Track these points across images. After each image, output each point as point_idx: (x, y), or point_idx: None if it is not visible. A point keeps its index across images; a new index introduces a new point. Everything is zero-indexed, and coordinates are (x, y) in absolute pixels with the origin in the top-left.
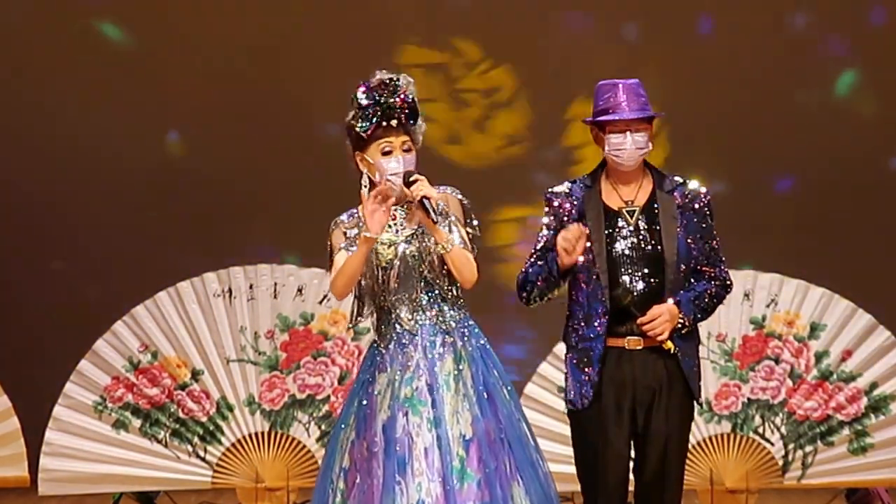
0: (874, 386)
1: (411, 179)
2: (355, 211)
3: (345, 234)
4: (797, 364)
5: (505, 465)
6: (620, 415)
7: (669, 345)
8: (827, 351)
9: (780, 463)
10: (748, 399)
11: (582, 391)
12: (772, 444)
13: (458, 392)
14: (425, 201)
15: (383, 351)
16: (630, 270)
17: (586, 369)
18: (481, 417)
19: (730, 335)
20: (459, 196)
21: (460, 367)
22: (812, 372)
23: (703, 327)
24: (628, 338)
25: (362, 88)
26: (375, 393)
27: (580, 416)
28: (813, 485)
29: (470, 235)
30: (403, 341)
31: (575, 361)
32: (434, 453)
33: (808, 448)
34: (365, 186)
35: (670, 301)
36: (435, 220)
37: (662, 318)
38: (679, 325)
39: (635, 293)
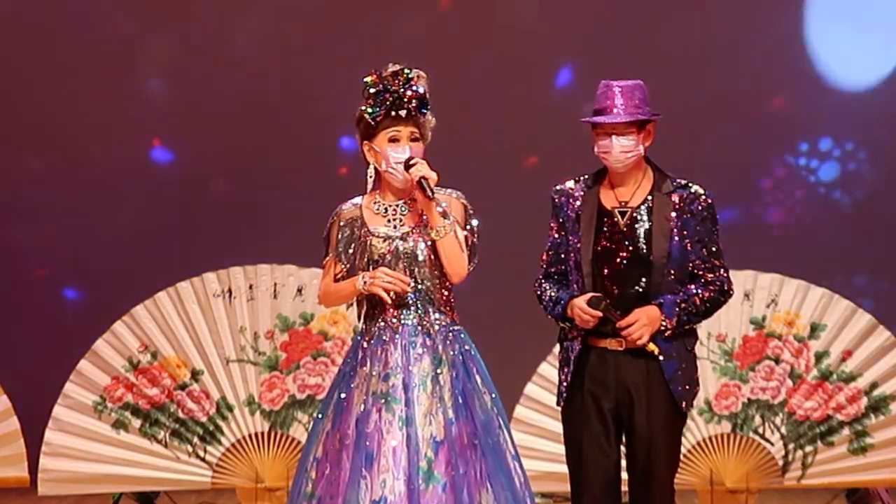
0: (874, 386)
1: (412, 163)
2: (359, 200)
3: (340, 230)
4: (797, 364)
5: (476, 471)
6: (602, 414)
7: (652, 347)
8: (827, 351)
9: (780, 463)
10: (748, 399)
11: (560, 389)
12: (772, 444)
13: (434, 394)
14: (423, 181)
15: (365, 345)
16: (616, 273)
17: (564, 368)
18: (455, 421)
19: (730, 335)
20: (463, 200)
21: (438, 370)
22: (812, 372)
23: (703, 327)
24: (609, 339)
25: (373, 76)
26: (353, 386)
27: (563, 412)
28: (813, 485)
29: (469, 240)
30: (384, 338)
31: (559, 360)
32: (402, 452)
33: (808, 448)
34: (371, 177)
35: (653, 304)
36: (431, 197)
37: (640, 322)
38: (661, 328)
39: (608, 301)
